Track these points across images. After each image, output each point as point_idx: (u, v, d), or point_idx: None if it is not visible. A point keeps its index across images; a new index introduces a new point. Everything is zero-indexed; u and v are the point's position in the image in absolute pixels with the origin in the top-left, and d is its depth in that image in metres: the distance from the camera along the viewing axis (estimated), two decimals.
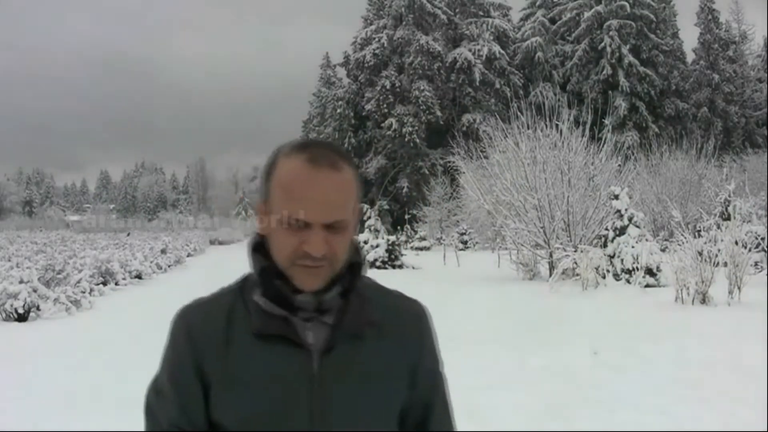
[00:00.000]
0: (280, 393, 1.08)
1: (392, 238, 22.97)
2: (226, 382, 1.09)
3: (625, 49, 47.39)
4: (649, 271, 13.78)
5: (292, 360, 1.09)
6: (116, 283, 16.76)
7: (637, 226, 14.69)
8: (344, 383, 1.10)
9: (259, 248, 1.15)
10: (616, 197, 15.00)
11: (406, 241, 35.68)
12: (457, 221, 34.92)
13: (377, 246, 21.58)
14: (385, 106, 48.82)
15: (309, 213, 1.05)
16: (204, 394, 1.10)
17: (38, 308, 10.96)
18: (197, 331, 1.13)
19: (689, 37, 51.65)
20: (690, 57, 51.96)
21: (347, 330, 1.11)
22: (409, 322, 1.20)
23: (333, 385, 1.09)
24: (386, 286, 1.23)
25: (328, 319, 1.11)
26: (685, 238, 12.16)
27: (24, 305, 10.63)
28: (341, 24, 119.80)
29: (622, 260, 14.26)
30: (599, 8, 48.57)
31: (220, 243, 57.25)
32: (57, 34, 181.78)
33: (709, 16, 50.19)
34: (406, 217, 41.58)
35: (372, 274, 1.19)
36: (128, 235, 52.35)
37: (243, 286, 1.17)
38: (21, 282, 11.05)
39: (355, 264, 1.16)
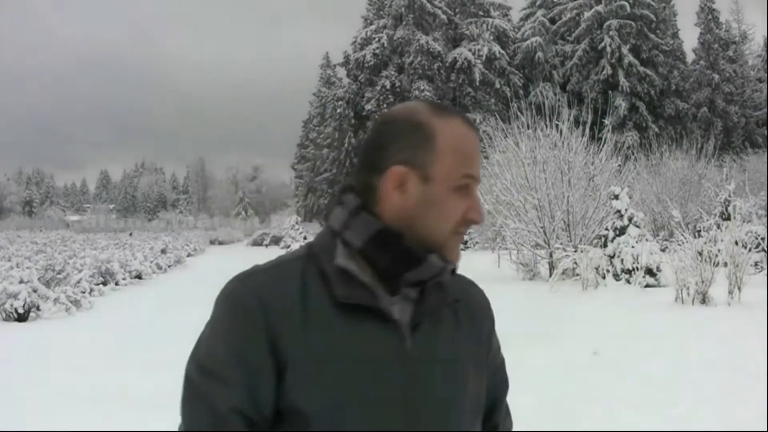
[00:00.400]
0: (371, 373, 0.96)
1: None
2: (308, 359, 0.95)
3: (625, 49, 47.37)
4: (649, 271, 13.78)
5: (379, 336, 0.98)
6: (116, 283, 16.76)
7: (637, 226, 14.69)
8: (437, 365, 1.01)
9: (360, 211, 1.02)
10: (616, 197, 15.00)
11: None
12: None
13: None
14: (385, 106, 48.80)
15: (478, 170, 1.05)
16: (277, 374, 0.95)
17: (38, 308, 10.97)
18: (270, 300, 0.97)
19: (689, 37, 51.78)
20: (690, 57, 51.94)
21: (429, 307, 1.03)
22: (481, 310, 1.15)
23: (427, 367, 1.00)
24: None
25: (414, 294, 1.02)
26: (685, 238, 12.17)
27: (24, 305, 10.63)
28: (341, 24, 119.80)
29: (622, 260, 14.26)
30: (599, 8, 48.54)
31: (220, 243, 57.31)
32: (55, 34, 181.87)
33: (709, 16, 50.16)
34: None
35: None
36: (130, 235, 52.41)
37: (310, 252, 1.03)
38: (21, 282, 11.05)
39: None
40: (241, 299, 0.98)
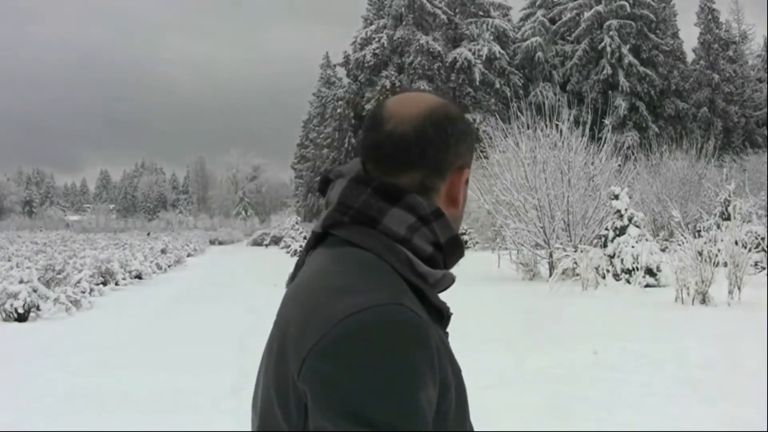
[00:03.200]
0: (463, 387, 0.91)
1: None
2: (456, 379, 0.87)
3: (625, 49, 47.38)
4: (649, 271, 13.77)
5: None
6: (116, 283, 16.77)
7: (637, 226, 14.69)
8: None
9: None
10: (616, 197, 15.00)
11: None
12: None
13: None
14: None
15: None
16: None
17: (38, 308, 10.97)
18: (429, 326, 0.83)
19: (689, 37, 51.65)
20: (690, 57, 51.95)
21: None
22: None
23: None
24: None
25: None
26: (685, 238, 12.16)
27: (24, 305, 10.63)
28: (341, 24, 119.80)
29: (622, 260, 14.26)
30: (599, 8, 48.54)
31: (220, 243, 57.31)
32: (53, 37, 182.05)
33: (709, 16, 50.16)
34: None
35: None
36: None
37: (393, 262, 0.89)
38: (21, 282, 11.06)
39: None
40: (414, 322, 0.80)
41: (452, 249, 0.94)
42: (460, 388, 0.88)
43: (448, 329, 0.97)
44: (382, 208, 0.90)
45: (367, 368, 0.77)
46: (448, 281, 0.95)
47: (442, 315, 0.93)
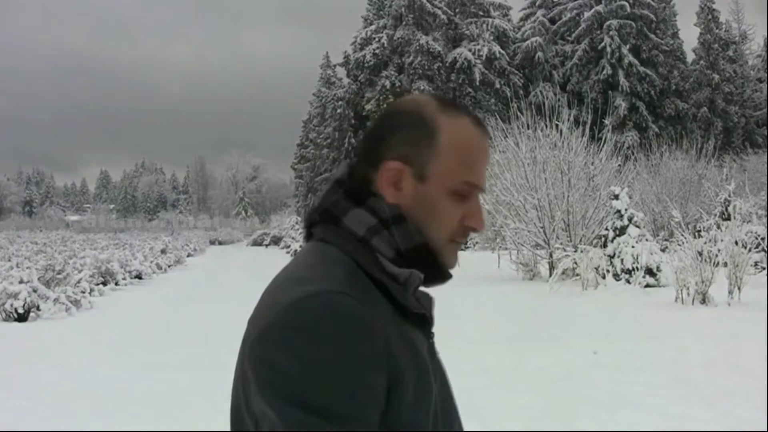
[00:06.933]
0: (445, 383, 0.96)
1: None
2: (415, 372, 0.86)
3: (625, 49, 47.35)
4: (649, 271, 13.77)
5: (423, 343, 0.93)
6: (116, 283, 16.77)
7: (637, 226, 14.69)
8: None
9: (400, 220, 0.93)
10: (616, 197, 14.99)
11: None
12: None
13: None
14: (385, 106, 48.81)
15: (482, 179, 0.95)
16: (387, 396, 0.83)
17: (38, 308, 10.97)
18: (374, 316, 0.84)
19: (689, 37, 51.62)
20: (690, 57, 51.93)
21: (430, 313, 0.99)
22: None
23: (445, 374, 0.99)
24: None
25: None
26: (685, 238, 12.16)
27: (24, 305, 10.63)
28: (341, 24, 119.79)
29: (622, 260, 14.25)
30: (599, 8, 48.51)
31: (220, 243, 57.30)
32: (49, 40, 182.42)
33: (709, 16, 50.14)
34: None
35: None
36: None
37: (358, 259, 0.91)
38: (21, 282, 11.06)
39: None
40: (360, 320, 0.81)
41: (417, 260, 0.91)
42: (422, 382, 0.87)
43: (444, 329, 0.97)
44: (345, 209, 0.93)
45: (305, 353, 0.78)
46: (416, 280, 0.92)
47: (422, 317, 0.94)
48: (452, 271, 1.00)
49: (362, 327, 0.81)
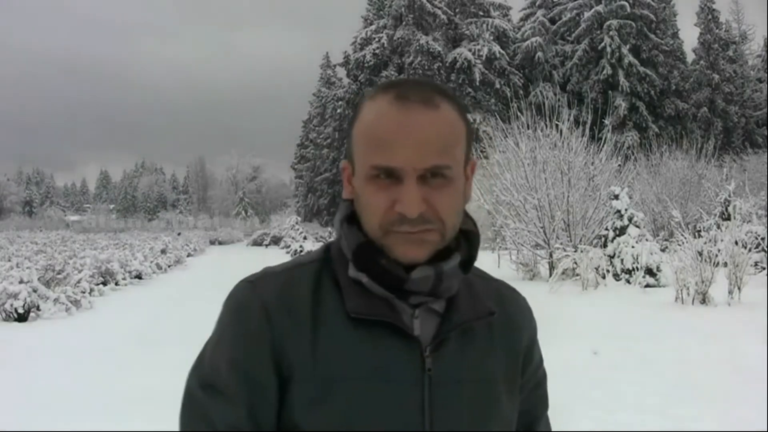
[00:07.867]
0: (389, 394, 0.85)
1: None
2: (316, 375, 0.84)
3: (625, 49, 47.35)
4: (649, 271, 13.77)
5: (399, 353, 0.86)
6: (116, 283, 16.75)
7: (637, 226, 14.69)
8: (463, 387, 0.89)
9: (352, 220, 0.91)
10: (616, 197, 15.00)
11: None
12: None
13: None
14: None
15: (397, 158, 0.83)
16: (280, 389, 0.86)
17: (38, 308, 10.96)
18: (277, 307, 0.86)
19: (689, 37, 51.70)
20: (690, 57, 51.93)
21: (459, 320, 0.90)
22: (518, 316, 1.00)
23: (451, 389, 0.88)
24: (483, 270, 1.02)
25: (439, 307, 0.90)
26: (685, 238, 12.16)
27: (24, 305, 10.62)
28: (341, 23, 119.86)
29: (622, 260, 14.26)
30: (599, 8, 48.52)
31: (220, 243, 57.24)
32: (49, 40, 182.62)
33: (709, 16, 50.14)
34: None
35: None
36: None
37: (327, 257, 0.92)
38: (21, 282, 11.05)
39: (470, 233, 0.96)
40: (244, 306, 0.88)
41: (362, 263, 0.88)
42: (341, 389, 0.84)
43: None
44: (337, 212, 0.96)
45: (213, 331, 0.92)
46: (415, 285, 0.87)
47: (389, 324, 0.87)
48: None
49: (245, 314, 0.88)
